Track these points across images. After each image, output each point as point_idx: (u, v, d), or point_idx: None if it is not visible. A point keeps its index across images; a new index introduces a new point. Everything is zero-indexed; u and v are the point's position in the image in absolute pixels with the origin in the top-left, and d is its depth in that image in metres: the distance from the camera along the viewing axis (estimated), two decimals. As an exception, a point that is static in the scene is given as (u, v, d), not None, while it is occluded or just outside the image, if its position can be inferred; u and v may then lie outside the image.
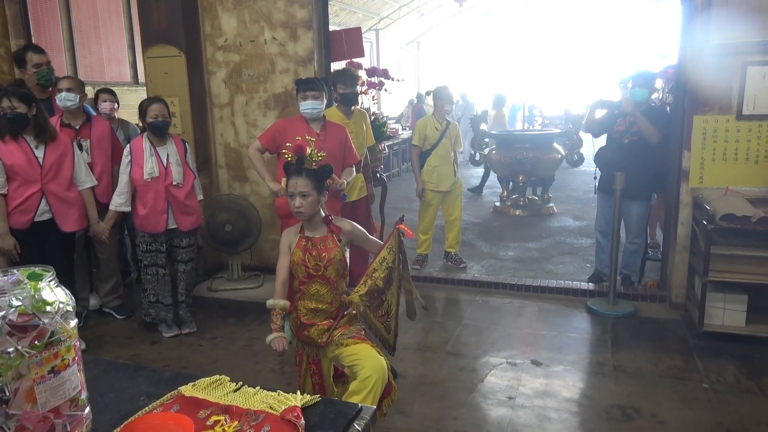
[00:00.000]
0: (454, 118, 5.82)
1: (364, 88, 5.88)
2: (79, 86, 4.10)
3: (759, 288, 3.67)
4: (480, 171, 10.12)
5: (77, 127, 4.09)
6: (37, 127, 3.53)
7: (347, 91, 4.26)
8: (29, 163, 3.49)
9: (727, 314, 3.71)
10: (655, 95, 5.24)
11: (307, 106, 3.63)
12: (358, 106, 4.81)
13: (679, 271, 4.22)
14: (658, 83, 5.32)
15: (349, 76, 4.30)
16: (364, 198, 4.47)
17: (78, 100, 4.04)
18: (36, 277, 1.14)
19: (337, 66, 5.18)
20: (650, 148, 4.37)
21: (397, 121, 14.35)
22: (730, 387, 3.23)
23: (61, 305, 1.14)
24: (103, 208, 3.99)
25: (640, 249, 4.68)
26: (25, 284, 1.11)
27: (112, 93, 4.90)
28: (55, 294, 1.15)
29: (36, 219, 3.55)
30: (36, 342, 1.08)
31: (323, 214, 2.47)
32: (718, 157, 3.95)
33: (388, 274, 2.45)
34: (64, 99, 3.98)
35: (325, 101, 3.71)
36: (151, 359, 3.77)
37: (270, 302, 2.44)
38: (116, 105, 4.89)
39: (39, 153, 3.53)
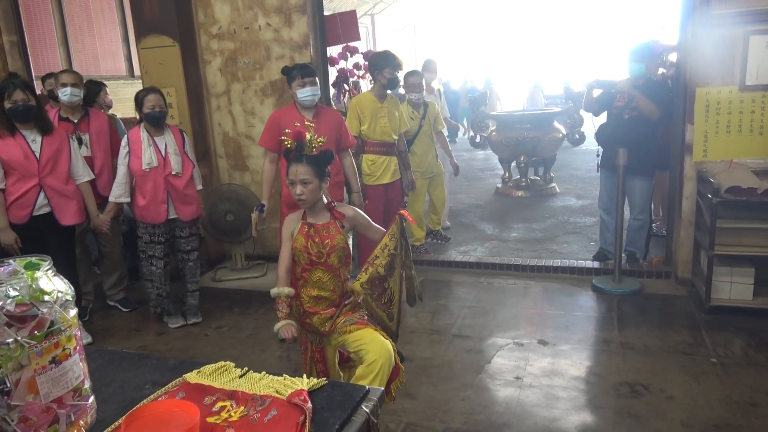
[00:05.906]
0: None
1: (361, 72, 5.82)
2: (80, 81, 4.07)
3: (766, 260, 3.64)
4: (481, 154, 9.96)
5: (75, 121, 4.07)
6: (40, 119, 3.51)
7: (393, 76, 4.27)
8: (26, 157, 3.46)
9: (734, 288, 3.69)
10: (661, 71, 5.15)
11: (307, 93, 3.57)
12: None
13: (684, 246, 4.20)
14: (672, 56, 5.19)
15: (396, 61, 4.29)
16: (398, 181, 4.44)
17: (81, 94, 4.03)
18: (33, 267, 1.12)
19: (332, 50, 5.13)
20: (652, 123, 4.31)
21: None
22: (738, 360, 3.21)
23: (59, 294, 1.12)
24: (104, 202, 3.97)
25: (644, 225, 4.63)
26: (22, 274, 1.09)
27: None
28: (53, 283, 1.13)
29: (34, 213, 3.54)
30: (35, 332, 1.06)
31: (326, 201, 2.44)
32: (721, 130, 3.90)
33: (390, 260, 2.43)
34: (71, 95, 3.95)
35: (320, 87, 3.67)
36: (157, 350, 3.77)
37: (274, 290, 2.42)
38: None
39: (36, 147, 3.50)
